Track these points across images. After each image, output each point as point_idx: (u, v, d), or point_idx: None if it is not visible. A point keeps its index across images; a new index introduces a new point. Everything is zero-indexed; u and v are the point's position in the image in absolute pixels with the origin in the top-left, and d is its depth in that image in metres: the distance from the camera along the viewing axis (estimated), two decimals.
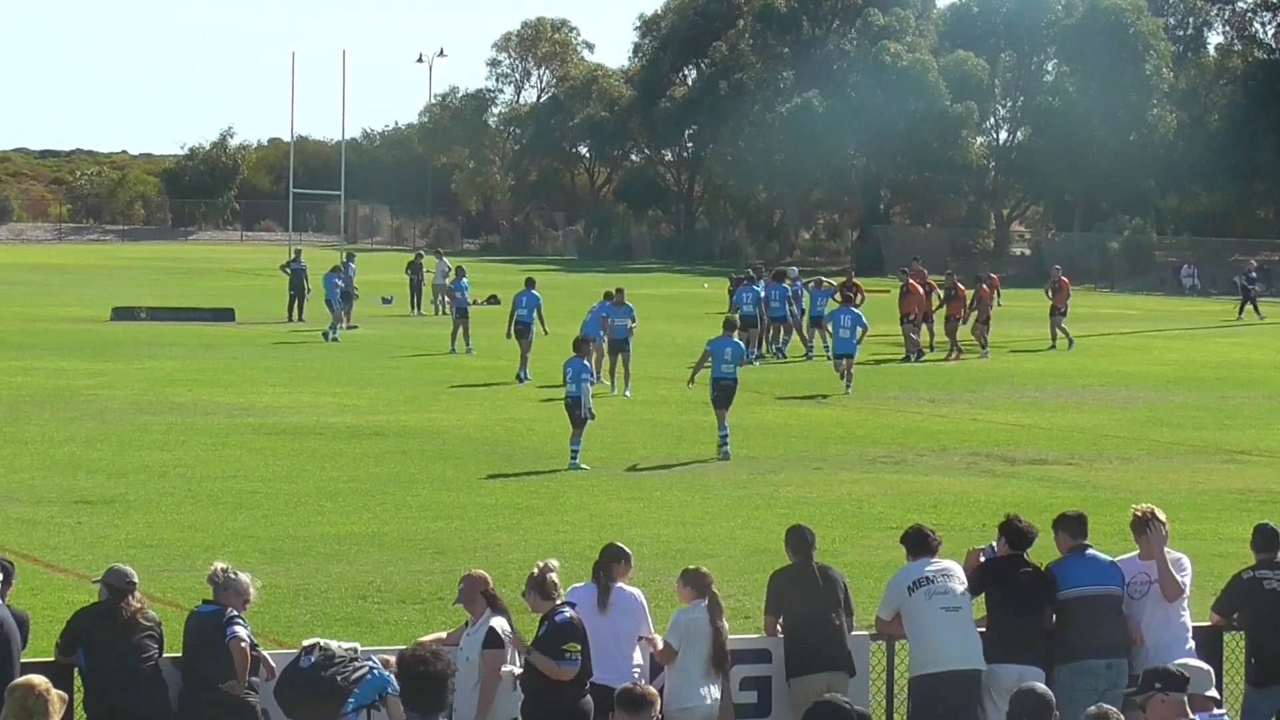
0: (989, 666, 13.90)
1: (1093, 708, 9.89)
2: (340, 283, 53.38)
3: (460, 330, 48.93)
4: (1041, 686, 10.22)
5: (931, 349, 49.82)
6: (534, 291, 43.90)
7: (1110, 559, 14.35)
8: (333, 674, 12.51)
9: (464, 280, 51.18)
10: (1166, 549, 14.41)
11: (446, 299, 63.03)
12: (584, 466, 28.92)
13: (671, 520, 24.62)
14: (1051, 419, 36.24)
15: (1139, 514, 14.41)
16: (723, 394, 31.22)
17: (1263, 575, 14.46)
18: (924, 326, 50.49)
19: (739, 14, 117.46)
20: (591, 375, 31.10)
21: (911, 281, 50.29)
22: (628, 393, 38.58)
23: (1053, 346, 52.09)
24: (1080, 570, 14.12)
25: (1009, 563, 14.22)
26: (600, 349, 39.44)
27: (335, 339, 51.42)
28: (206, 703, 12.98)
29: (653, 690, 10.21)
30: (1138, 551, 14.40)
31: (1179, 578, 14.16)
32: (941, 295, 51.50)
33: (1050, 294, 53.74)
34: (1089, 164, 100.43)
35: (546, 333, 42.92)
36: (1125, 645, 14.07)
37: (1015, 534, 14.32)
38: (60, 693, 9.80)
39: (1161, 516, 14.37)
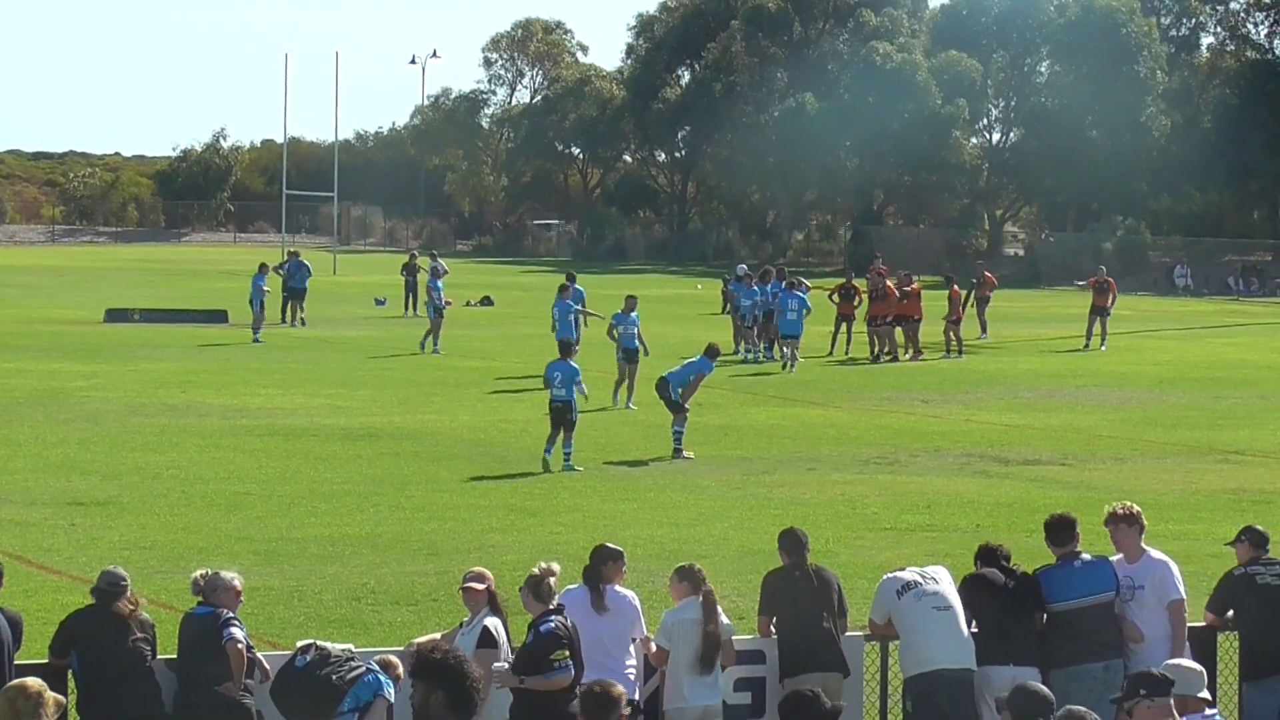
0: (982, 669, 13.89)
1: (1062, 710, 9.84)
2: (266, 287, 53.24)
3: (434, 331, 49.38)
4: (1040, 685, 10.20)
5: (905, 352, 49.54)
6: (578, 287, 44.73)
7: (1101, 560, 14.35)
8: (328, 674, 12.50)
9: (439, 280, 51.24)
10: (1152, 550, 14.46)
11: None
12: (579, 469, 28.89)
13: (665, 521, 24.62)
14: (1045, 419, 36.25)
15: (1119, 511, 14.45)
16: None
17: (1255, 571, 14.48)
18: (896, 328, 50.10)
19: (732, 15, 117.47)
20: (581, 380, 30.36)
21: (888, 284, 50.30)
22: (631, 405, 37.33)
23: (1101, 346, 51.97)
24: (1070, 582, 14.12)
25: (989, 570, 14.30)
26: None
27: (258, 340, 51.09)
28: (202, 704, 12.98)
29: (619, 688, 10.01)
30: (1120, 555, 14.43)
31: (1176, 586, 14.25)
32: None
33: (1094, 292, 53.48)
34: (1082, 164, 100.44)
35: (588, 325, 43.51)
36: (1121, 645, 14.08)
37: (989, 555, 14.45)
38: (58, 696, 9.78)
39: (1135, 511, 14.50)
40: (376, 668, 12.64)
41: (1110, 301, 53.14)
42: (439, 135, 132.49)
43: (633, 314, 39.18)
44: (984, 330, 55.68)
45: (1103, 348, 51.86)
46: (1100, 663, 13.99)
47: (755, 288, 49.85)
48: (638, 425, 34.29)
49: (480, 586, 13.44)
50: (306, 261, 59.64)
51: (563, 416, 29.27)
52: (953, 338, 50.45)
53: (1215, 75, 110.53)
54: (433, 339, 49.06)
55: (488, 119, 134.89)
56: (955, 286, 51.97)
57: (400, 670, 12.78)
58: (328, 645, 12.78)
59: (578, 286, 44.67)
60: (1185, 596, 14.30)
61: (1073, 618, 14.00)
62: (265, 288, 52.83)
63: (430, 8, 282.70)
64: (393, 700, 12.53)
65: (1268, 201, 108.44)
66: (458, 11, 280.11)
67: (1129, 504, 14.62)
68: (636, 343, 38.49)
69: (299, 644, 13.10)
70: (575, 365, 30.17)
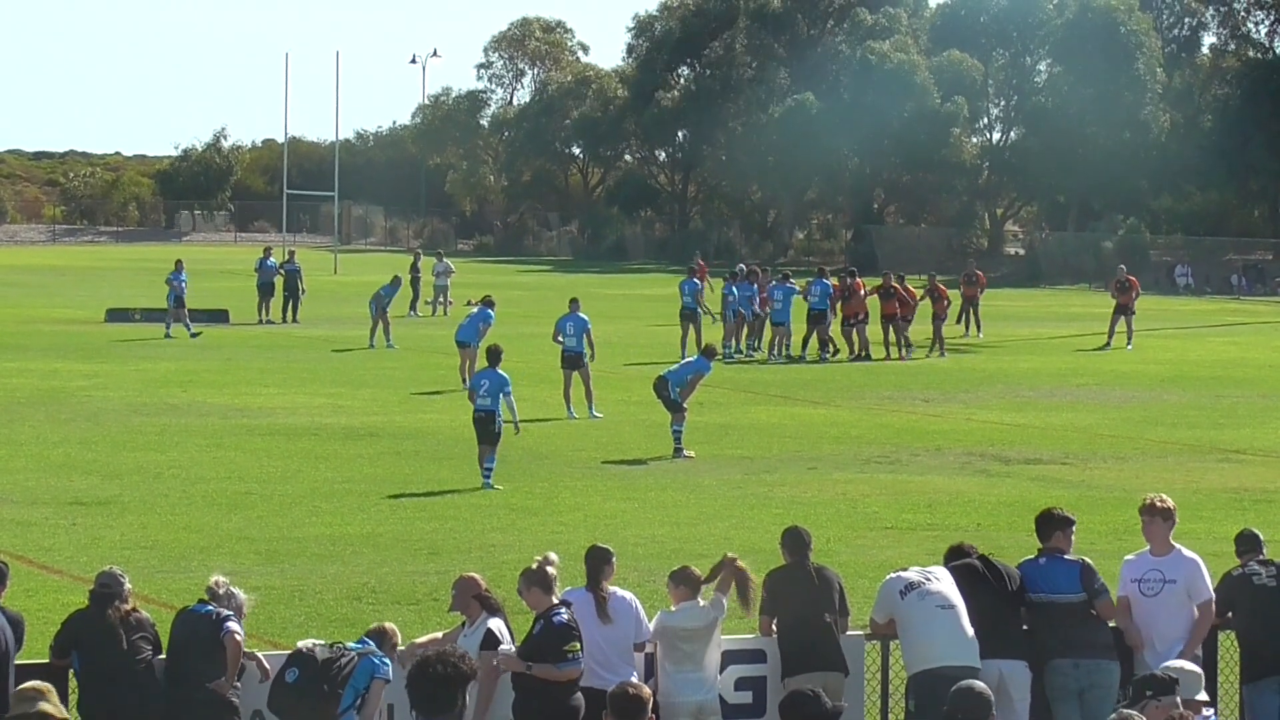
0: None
1: (1113, 715, 9.91)
2: (178, 283, 53.36)
3: (380, 326, 49.83)
4: (980, 685, 10.14)
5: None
6: (695, 279, 49.91)
7: (1075, 561, 14.32)
8: (319, 682, 12.51)
9: (390, 287, 51.63)
10: (1182, 548, 14.42)
11: (442, 298, 63.30)
12: (497, 487, 26.99)
13: (666, 520, 24.62)
14: (1046, 418, 36.24)
15: (1156, 504, 14.47)
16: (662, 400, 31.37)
17: (1252, 571, 14.52)
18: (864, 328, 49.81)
19: (735, 14, 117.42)
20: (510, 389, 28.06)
21: (857, 281, 50.23)
22: (582, 413, 35.05)
23: (1127, 345, 51.91)
24: (1038, 577, 14.24)
25: (970, 561, 14.37)
26: (474, 354, 37.63)
27: (195, 335, 51.93)
28: (190, 700, 12.96)
29: (647, 690, 10.12)
30: (1149, 547, 14.44)
31: (1208, 585, 14.35)
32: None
33: (1116, 291, 53.46)
34: (1082, 163, 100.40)
35: (712, 317, 49.78)
36: (1100, 646, 14.10)
37: (956, 553, 14.54)
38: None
39: (1167, 504, 14.52)
40: (372, 645, 12.64)
41: (1134, 299, 52.99)
42: (439, 134, 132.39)
43: (580, 316, 36.90)
44: (978, 328, 55.62)
45: (1128, 346, 51.74)
46: (1070, 660, 14.03)
47: (734, 286, 49.93)
48: (638, 424, 34.24)
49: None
50: (273, 260, 60.58)
51: (485, 428, 27.48)
52: (900, 337, 49.83)
53: (1216, 75, 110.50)
54: (384, 335, 49.66)
55: (488, 118, 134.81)
56: (908, 288, 51.15)
57: (398, 638, 12.84)
58: (316, 649, 12.77)
59: (695, 280, 49.40)
60: (1210, 588, 14.38)
61: (1039, 612, 14.14)
62: (180, 283, 53.04)
63: (430, 7, 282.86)
64: (390, 679, 12.53)
65: (1269, 200, 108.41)
66: (458, 11, 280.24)
67: (1165, 497, 14.63)
68: (581, 347, 36.16)
69: (299, 644, 13.11)
70: (504, 375, 28.09)
